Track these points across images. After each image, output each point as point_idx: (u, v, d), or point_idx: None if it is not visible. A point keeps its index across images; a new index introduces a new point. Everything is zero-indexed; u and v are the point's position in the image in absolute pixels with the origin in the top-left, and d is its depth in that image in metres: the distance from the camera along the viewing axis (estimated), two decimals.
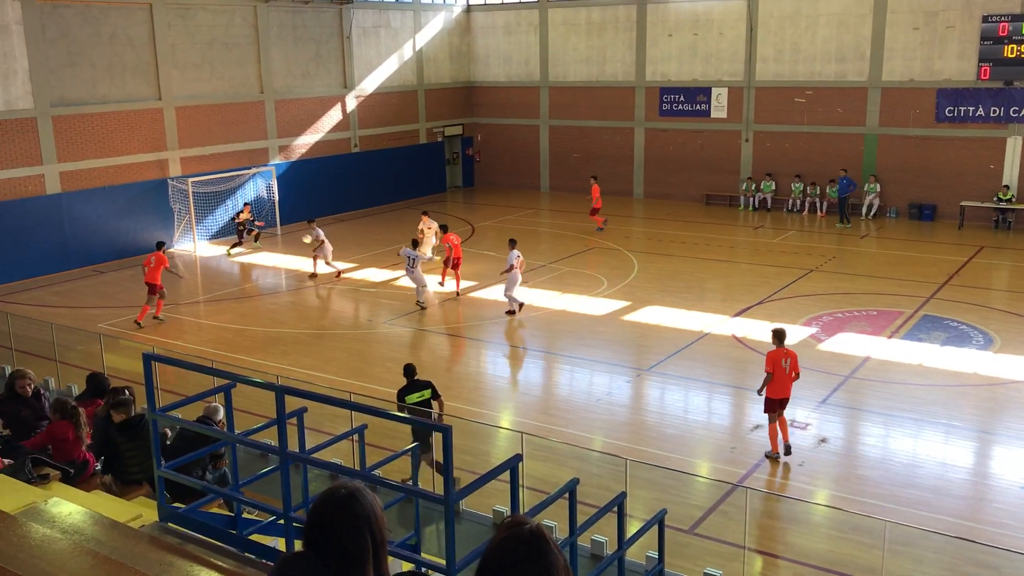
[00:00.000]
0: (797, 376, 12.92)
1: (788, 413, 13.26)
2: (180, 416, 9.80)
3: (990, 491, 11.81)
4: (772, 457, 12.68)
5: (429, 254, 23.76)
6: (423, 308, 20.45)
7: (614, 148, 35.32)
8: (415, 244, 21.37)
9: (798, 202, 31.43)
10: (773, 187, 31.99)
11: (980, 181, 28.64)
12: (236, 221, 27.27)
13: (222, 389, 6.51)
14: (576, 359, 17.36)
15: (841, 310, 19.49)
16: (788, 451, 12.68)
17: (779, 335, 13.05)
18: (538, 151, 37.32)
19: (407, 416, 4.97)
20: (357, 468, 8.14)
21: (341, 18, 32.25)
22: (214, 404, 9.65)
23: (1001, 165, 28.41)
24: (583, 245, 26.33)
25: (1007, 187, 28.07)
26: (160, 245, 20.25)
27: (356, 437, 7.69)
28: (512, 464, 5.03)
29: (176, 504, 6.79)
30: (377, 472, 7.46)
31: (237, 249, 26.74)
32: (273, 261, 25.98)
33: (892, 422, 14.04)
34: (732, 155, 33.00)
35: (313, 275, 23.57)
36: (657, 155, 34.49)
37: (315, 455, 6.80)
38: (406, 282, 21.51)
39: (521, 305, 20.06)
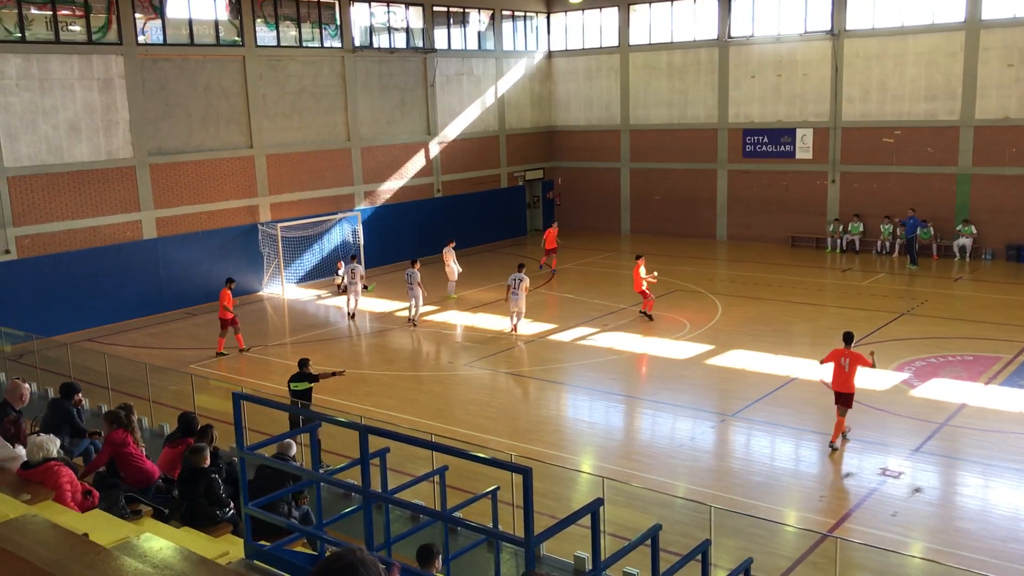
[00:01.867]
0: (871, 366, 14.24)
1: (881, 460, 12.84)
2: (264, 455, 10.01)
3: None
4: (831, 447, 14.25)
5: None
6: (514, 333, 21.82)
7: (696, 190, 35.11)
8: (520, 267, 22.77)
9: (887, 244, 30.64)
10: (861, 228, 31.28)
11: None
12: (338, 284, 27.80)
13: (309, 428, 6.64)
14: (659, 403, 17.14)
15: (935, 355, 18.84)
16: (832, 449, 14.22)
17: (846, 337, 14.75)
18: (619, 193, 37.35)
19: (487, 458, 4.99)
20: (438, 509, 8.21)
21: (425, 67, 33.04)
22: (288, 441, 9.83)
23: None
24: (665, 288, 26.14)
25: None
26: (228, 282, 21.47)
27: (437, 478, 7.73)
28: (593, 508, 4.99)
29: (262, 542, 6.92)
30: (458, 514, 7.49)
31: (352, 304, 25.85)
32: (361, 304, 26.46)
33: (991, 472, 13.43)
34: (818, 196, 32.45)
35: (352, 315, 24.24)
36: (741, 197, 34.15)
37: (396, 495, 6.86)
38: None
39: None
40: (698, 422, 15.94)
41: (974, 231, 29.08)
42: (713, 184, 34.72)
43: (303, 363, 14.70)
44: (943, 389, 16.88)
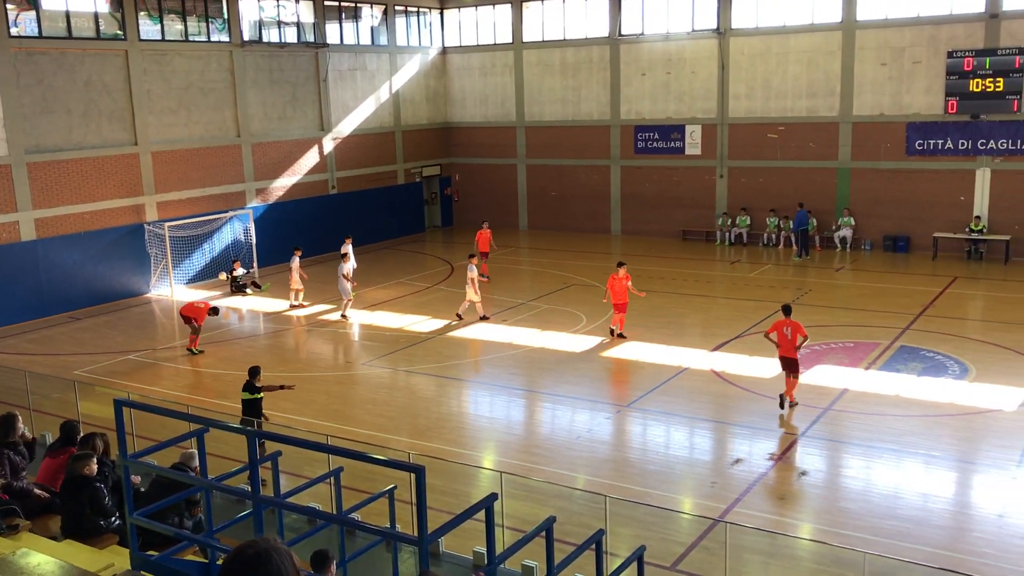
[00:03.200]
0: (805, 338, 15.72)
1: (769, 445, 13.30)
2: (155, 463, 9.69)
3: (970, 520, 11.83)
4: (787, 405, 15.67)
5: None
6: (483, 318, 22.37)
7: (591, 186, 35.61)
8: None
9: (773, 236, 31.71)
10: (748, 222, 32.30)
11: (952, 212, 29.05)
12: (233, 277, 27.14)
13: (195, 434, 6.46)
14: (557, 396, 17.33)
15: (818, 343, 19.61)
16: (781, 404, 15.64)
17: (785, 309, 16.29)
18: (516, 189, 37.57)
19: (379, 458, 4.94)
20: (334, 512, 8.09)
21: (317, 62, 32.50)
22: (190, 450, 9.55)
23: (971, 196, 28.85)
24: (562, 282, 26.40)
25: (978, 218, 28.48)
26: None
27: (332, 480, 7.62)
28: (487, 503, 5.01)
29: (150, 552, 6.70)
30: (355, 515, 7.40)
31: (234, 299, 26.19)
32: (252, 304, 25.87)
33: (872, 454, 14.08)
34: (707, 191, 33.35)
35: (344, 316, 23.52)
36: (633, 192, 34.81)
37: (292, 499, 6.73)
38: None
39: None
40: (595, 414, 16.18)
41: (853, 222, 30.39)
42: (607, 180, 35.29)
43: (253, 372, 13.90)
44: (827, 375, 17.60)
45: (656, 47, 33.42)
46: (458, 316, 22.77)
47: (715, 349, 19.60)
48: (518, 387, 18.11)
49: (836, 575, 10.46)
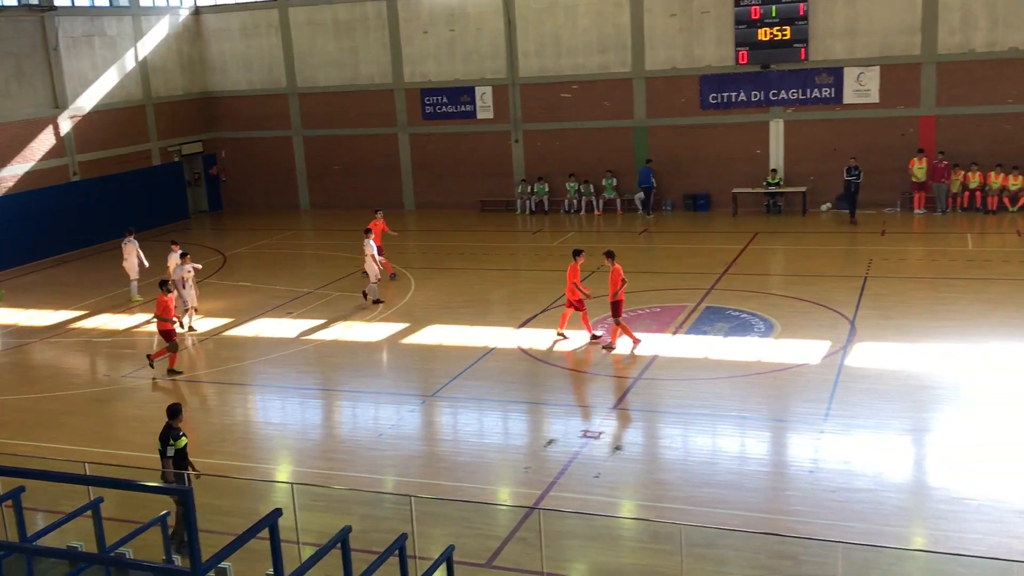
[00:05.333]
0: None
1: (581, 423, 13.87)
2: None
3: (782, 480, 12.77)
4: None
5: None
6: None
7: (378, 157, 35.33)
8: None
9: (574, 202, 32.73)
10: (546, 189, 33.12)
11: (749, 167, 31.04)
12: None
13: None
14: (356, 392, 17.17)
15: (625, 310, 20.44)
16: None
17: (609, 254, 18.24)
18: (293, 165, 36.71)
19: (141, 484, 4.69)
20: (95, 551, 7.62)
21: (44, 28, 30.26)
22: None
23: (767, 149, 30.93)
24: (352, 266, 26.12)
25: (774, 171, 30.60)
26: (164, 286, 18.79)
27: (92, 513, 7.18)
28: (270, 521, 4.88)
29: None
30: (125, 550, 7.02)
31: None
32: None
33: (685, 421, 14.89)
34: (503, 157, 33.91)
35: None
36: (425, 162, 34.86)
37: (40, 541, 6.29)
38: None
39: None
40: (399, 407, 16.16)
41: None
42: (395, 150, 35.13)
43: (174, 412, 11.69)
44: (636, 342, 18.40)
45: (437, 2, 33.49)
46: (365, 295, 22.51)
47: (521, 325, 20.03)
48: (311, 386, 17.78)
49: (657, 551, 11.00)
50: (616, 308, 18.08)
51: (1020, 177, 27.89)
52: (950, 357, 16.59)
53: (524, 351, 18.47)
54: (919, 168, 28.54)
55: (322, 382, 18.03)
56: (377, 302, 22.38)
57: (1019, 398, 14.72)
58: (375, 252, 22.58)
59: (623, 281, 17.94)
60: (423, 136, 34.70)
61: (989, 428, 13.70)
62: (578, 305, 18.78)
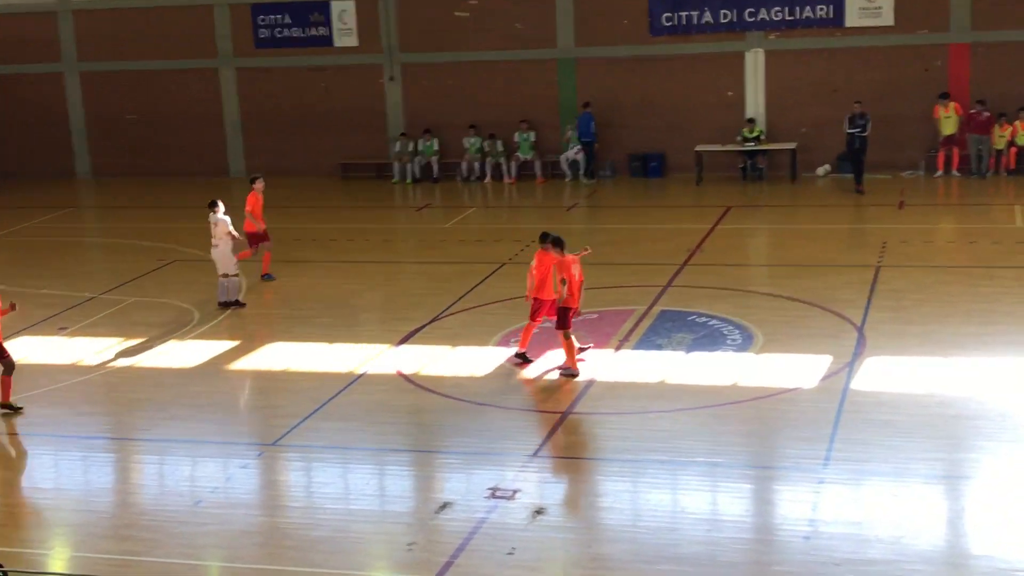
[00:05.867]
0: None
1: (488, 477, 13.90)
2: None
3: (769, 550, 12.87)
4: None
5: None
6: None
7: (191, 103, 34.88)
8: None
9: (476, 166, 32.67)
10: (436, 147, 32.99)
11: (718, 116, 31.43)
12: None
13: None
14: (162, 443, 16.80)
15: (548, 317, 20.50)
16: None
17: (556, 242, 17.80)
18: (66, 115, 36.00)
19: None
20: None
21: None
22: None
23: (742, 91, 31.35)
24: (154, 260, 25.63)
25: (752, 121, 31.01)
26: None
27: None
28: None
29: None
30: None
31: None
32: None
33: (633, 470, 14.91)
34: (374, 103, 33.77)
35: None
36: (260, 109, 34.58)
37: None
38: None
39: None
40: (227, 462, 15.86)
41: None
42: (216, 91, 34.77)
43: None
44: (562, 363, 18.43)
45: None
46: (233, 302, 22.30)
47: (403, 341, 19.91)
48: (97, 434, 17.42)
49: None
50: (563, 316, 17.88)
51: None
52: (994, 376, 16.99)
53: (406, 378, 18.33)
54: (946, 118, 29.24)
55: (113, 428, 17.66)
56: (231, 305, 22.22)
57: None
58: (231, 228, 22.24)
59: (563, 281, 17.66)
60: (256, 72, 34.37)
61: None
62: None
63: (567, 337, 17.80)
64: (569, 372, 17.84)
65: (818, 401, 16.50)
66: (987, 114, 28.88)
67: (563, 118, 32.23)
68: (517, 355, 18.52)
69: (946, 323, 19.25)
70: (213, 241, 22.10)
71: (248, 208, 23.42)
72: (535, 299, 18.14)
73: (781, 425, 16.03)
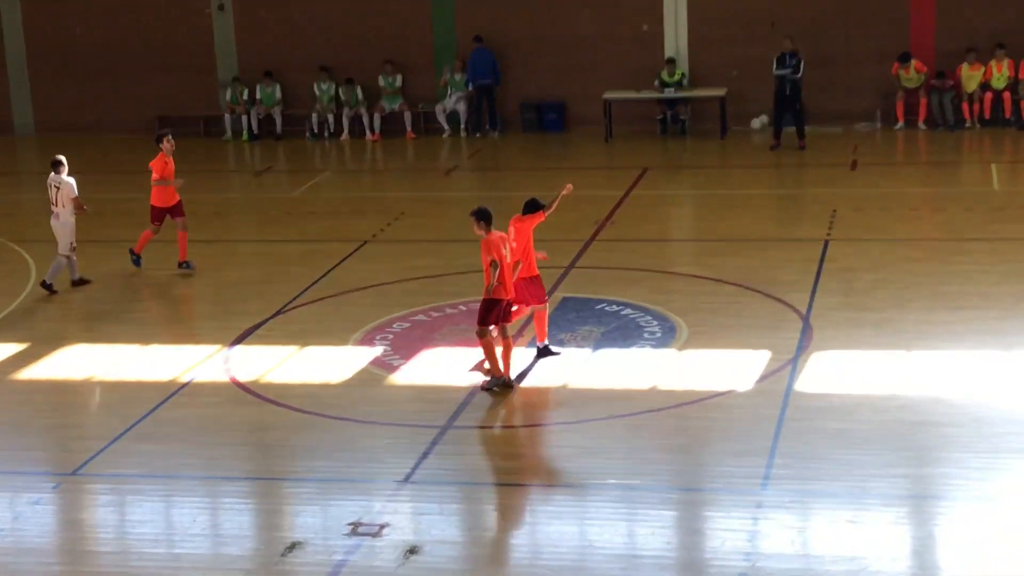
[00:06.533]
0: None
1: (346, 511, 13.85)
2: None
3: None
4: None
5: None
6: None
7: None
8: None
9: (329, 118, 32.55)
10: (278, 95, 32.80)
11: (631, 56, 31.67)
12: None
13: None
14: None
15: (421, 308, 20.50)
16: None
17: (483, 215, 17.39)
18: None
19: None
20: None
21: None
22: None
23: (660, 25, 31.58)
24: None
25: (672, 62, 31.26)
26: None
27: None
28: None
29: None
30: None
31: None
32: None
33: (524, 494, 15.00)
34: (199, 38, 33.49)
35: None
36: (48, 46, 34.18)
37: None
38: None
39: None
40: (14, 498, 15.65)
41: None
42: None
43: None
44: (439, 369, 18.52)
45: None
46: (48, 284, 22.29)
47: (238, 341, 19.81)
48: None
49: None
50: (487, 311, 17.34)
51: None
52: (967, 374, 17.33)
53: (243, 386, 18.23)
54: (907, 79, 29.71)
55: None
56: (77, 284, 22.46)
57: None
58: (75, 191, 22.17)
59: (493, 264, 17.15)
60: (47, 1, 33.81)
61: None
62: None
63: (484, 336, 17.35)
64: (500, 382, 17.45)
65: (755, 407, 16.69)
66: (951, 83, 29.43)
67: (439, 57, 32.23)
68: (539, 351, 18.47)
69: (908, 309, 19.58)
70: (53, 209, 21.86)
71: (156, 175, 23.05)
72: (522, 279, 18.03)
73: (710, 437, 16.18)
